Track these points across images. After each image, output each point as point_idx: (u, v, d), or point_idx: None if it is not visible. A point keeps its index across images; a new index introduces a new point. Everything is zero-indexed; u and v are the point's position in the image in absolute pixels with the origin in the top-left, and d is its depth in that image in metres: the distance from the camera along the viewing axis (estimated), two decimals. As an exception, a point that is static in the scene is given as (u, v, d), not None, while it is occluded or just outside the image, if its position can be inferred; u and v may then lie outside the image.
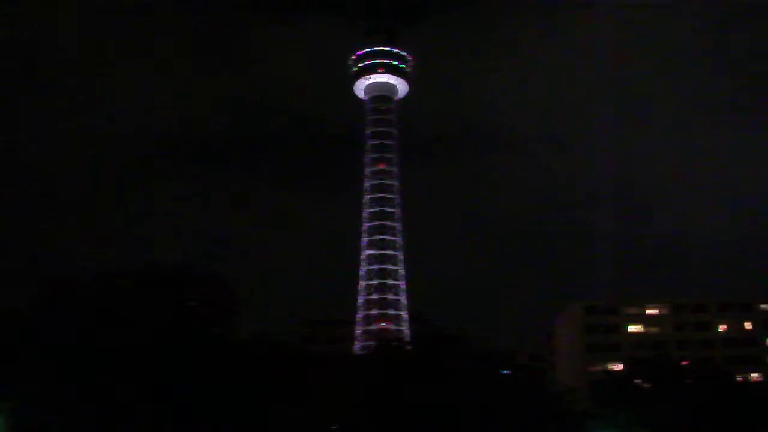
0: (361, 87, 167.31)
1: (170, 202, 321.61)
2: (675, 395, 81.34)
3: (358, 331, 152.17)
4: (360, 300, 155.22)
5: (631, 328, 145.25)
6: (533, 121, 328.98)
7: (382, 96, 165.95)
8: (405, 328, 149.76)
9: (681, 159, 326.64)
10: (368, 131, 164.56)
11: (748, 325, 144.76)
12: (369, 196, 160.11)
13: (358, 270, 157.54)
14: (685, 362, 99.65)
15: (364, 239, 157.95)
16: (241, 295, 62.94)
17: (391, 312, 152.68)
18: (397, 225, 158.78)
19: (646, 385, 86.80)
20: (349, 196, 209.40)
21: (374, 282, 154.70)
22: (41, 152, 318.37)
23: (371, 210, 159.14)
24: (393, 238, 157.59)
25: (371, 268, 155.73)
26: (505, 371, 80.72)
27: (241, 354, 58.99)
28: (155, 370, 53.05)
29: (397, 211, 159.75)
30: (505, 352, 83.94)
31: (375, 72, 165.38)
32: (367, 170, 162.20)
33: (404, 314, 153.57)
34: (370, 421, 64.93)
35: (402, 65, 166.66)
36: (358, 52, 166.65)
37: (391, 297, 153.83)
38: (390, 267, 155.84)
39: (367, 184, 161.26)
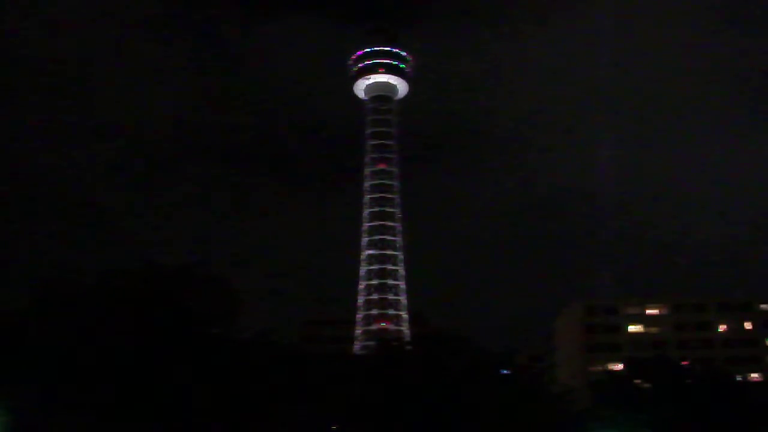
0: (361, 87, 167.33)
1: (170, 202, 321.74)
2: (675, 395, 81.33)
3: (358, 331, 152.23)
4: (360, 300, 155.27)
5: (631, 328, 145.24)
6: (533, 121, 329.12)
7: (382, 96, 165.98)
8: (405, 328, 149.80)
9: (681, 159, 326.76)
10: (368, 131, 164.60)
11: (748, 325, 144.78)
12: (369, 196, 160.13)
13: (358, 270, 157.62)
14: (685, 362, 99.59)
15: (364, 239, 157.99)
16: (242, 295, 62.99)
17: (391, 312, 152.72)
18: (397, 225, 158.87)
19: (646, 385, 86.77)
20: (349, 196, 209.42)
21: (374, 282, 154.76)
22: (41, 152, 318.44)
23: (371, 210, 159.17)
24: (393, 238, 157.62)
25: (371, 268, 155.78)
26: (505, 371, 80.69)
27: (241, 354, 58.98)
28: (155, 371, 53.05)
29: (397, 211, 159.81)
30: (505, 352, 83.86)
31: (375, 72, 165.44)
32: (367, 170, 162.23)
33: (404, 314, 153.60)
34: (370, 421, 64.96)
35: (402, 65, 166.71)
36: (358, 52, 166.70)
37: (391, 297, 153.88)
38: (390, 267, 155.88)
39: (367, 184, 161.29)
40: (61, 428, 50.62)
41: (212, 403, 55.25)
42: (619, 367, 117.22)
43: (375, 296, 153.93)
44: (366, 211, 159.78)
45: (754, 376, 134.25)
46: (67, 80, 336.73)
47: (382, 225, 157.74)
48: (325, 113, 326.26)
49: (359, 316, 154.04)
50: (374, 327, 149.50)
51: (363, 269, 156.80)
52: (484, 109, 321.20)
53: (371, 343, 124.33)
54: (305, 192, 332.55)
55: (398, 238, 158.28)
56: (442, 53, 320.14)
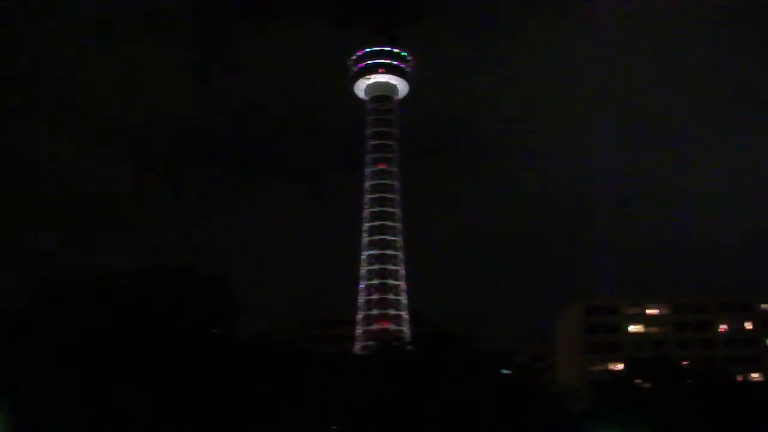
0: (361, 87, 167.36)
1: (170, 202, 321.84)
2: (675, 395, 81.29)
3: (359, 331, 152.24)
4: (360, 300, 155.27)
5: (632, 328, 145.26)
6: (534, 121, 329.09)
7: (382, 96, 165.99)
8: (405, 328, 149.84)
9: (681, 159, 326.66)
10: (368, 131, 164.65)
11: (748, 325, 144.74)
12: (369, 196, 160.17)
13: (358, 270, 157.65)
14: (685, 362, 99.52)
15: (365, 239, 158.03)
16: (241, 295, 63.05)
17: (392, 312, 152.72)
18: (398, 225, 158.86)
19: (646, 385, 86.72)
20: (349, 196, 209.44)
21: (375, 282, 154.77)
22: (40, 152, 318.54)
23: (371, 210, 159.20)
24: (393, 238, 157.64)
25: (372, 268, 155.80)
26: (505, 371, 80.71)
27: (241, 354, 59.02)
28: (155, 370, 53.07)
29: (397, 211, 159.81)
30: (506, 352, 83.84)
31: (375, 72, 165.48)
32: (367, 170, 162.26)
33: (405, 314, 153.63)
34: (371, 421, 64.97)
35: (402, 65, 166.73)
36: (359, 52, 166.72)
37: (391, 297, 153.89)
38: (390, 267, 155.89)
39: (367, 184, 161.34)
40: (61, 428, 50.66)
41: (212, 403, 55.28)
42: (619, 367, 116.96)
43: (375, 296, 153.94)
44: (366, 211, 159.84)
45: (754, 376, 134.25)
46: (67, 80, 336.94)
47: (382, 225, 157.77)
48: (325, 113, 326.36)
49: (360, 316, 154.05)
50: (375, 327, 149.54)
51: (363, 269, 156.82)
52: (485, 109, 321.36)
53: (372, 343, 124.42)
54: (305, 192, 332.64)
55: (398, 238, 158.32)
56: (443, 53, 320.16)
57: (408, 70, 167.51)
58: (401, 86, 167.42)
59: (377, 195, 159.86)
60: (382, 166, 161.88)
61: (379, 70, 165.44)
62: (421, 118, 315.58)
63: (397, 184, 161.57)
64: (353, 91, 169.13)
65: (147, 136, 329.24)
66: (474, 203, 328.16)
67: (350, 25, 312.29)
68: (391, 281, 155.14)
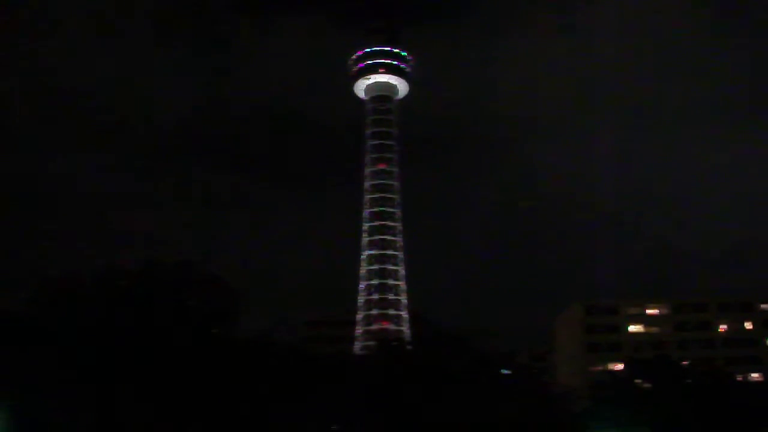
0: (361, 87, 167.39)
1: (169, 201, 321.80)
2: (675, 395, 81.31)
3: (359, 331, 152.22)
4: (360, 300, 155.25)
5: (632, 328, 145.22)
6: (534, 121, 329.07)
7: (382, 96, 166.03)
8: (405, 328, 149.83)
9: (681, 158, 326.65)
10: (368, 131, 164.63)
11: (748, 325, 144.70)
12: (369, 196, 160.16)
13: (358, 270, 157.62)
14: (685, 362, 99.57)
15: (364, 239, 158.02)
16: (241, 295, 63.01)
17: (392, 312, 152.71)
18: (398, 225, 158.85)
19: (646, 385, 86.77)
20: (349, 196, 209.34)
21: (374, 282, 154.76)
22: (41, 151, 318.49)
23: (371, 210, 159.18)
24: (393, 238, 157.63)
25: (371, 268, 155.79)
26: (505, 371, 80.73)
27: (241, 354, 59.00)
28: (155, 370, 53.06)
29: (397, 211, 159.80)
30: (506, 352, 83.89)
31: (375, 72, 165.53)
32: (367, 170, 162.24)
33: (404, 314, 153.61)
34: (371, 421, 64.94)
35: (402, 65, 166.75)
36: (359, 52, 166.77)
37: (391, 297, 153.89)
38: (390, 267, 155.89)
39: (367, 184, 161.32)
40: (61, 428, 50.65)
41: (212, 403, 55.27)
42: (619, 367, 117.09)
43: (375, 296, 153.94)
44: (366, 211, 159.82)
45: (754, 376, 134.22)
46: (67, 80, 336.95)
47: (382, 225, 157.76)
48: (325, 113, 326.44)
49: (359, 316, 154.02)
50: (375, 327, 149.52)
51: (363, 269, 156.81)
52: (486, 109, 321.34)
53: (372, 343, 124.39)
54: (305, 192, 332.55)
55: (398, 238, 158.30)
56: (443, 53, 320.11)
57: (408, 70, 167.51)
58: (401, 86, 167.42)
59: (377, 195, 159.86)
60: (382, 166, 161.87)
61: (380, 70, 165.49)
62: (421, 118, 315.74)
63: (397, 184, 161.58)
64: (353, 91, 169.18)
65: (147, 136, 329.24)
66: (473, 203, 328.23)
67: (350, 24, 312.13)
68: (391, 281, 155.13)
